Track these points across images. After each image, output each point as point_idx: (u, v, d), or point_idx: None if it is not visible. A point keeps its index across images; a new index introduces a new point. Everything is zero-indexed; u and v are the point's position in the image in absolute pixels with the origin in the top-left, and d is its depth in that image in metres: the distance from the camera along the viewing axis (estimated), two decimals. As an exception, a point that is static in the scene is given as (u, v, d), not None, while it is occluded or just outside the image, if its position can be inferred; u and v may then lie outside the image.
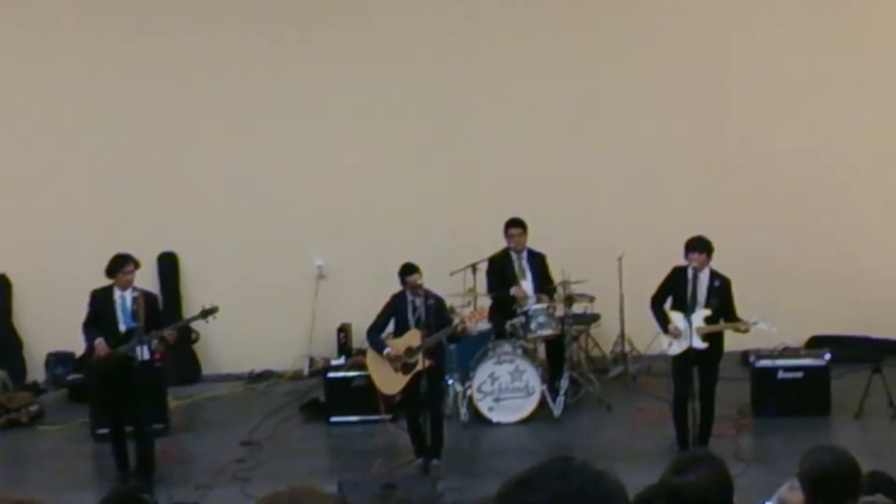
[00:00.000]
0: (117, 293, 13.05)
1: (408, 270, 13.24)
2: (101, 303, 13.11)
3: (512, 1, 17.11)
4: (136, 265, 13.21)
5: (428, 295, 13.21)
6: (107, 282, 13.12)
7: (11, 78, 17.06)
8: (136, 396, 13.00)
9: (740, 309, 12.99)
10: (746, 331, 12.83)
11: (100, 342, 12.90)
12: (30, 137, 17.08)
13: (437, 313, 13.19)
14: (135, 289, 13.13)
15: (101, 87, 17.07)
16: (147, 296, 13.32)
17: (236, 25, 17.08)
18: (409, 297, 13.25)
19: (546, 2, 17.09)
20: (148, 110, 17.09)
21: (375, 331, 13.42)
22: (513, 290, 14.77)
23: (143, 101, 17.08)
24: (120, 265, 13.02)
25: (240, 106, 17.14)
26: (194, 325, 16.35)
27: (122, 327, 13.02)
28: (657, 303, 13.09)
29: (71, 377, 16.36)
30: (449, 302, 14.33)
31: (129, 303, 13.01)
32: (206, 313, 13.53)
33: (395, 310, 13.34)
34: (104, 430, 14.04)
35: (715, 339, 12.88)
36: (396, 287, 13.52)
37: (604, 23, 17.10)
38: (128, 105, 17.08)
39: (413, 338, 13.12)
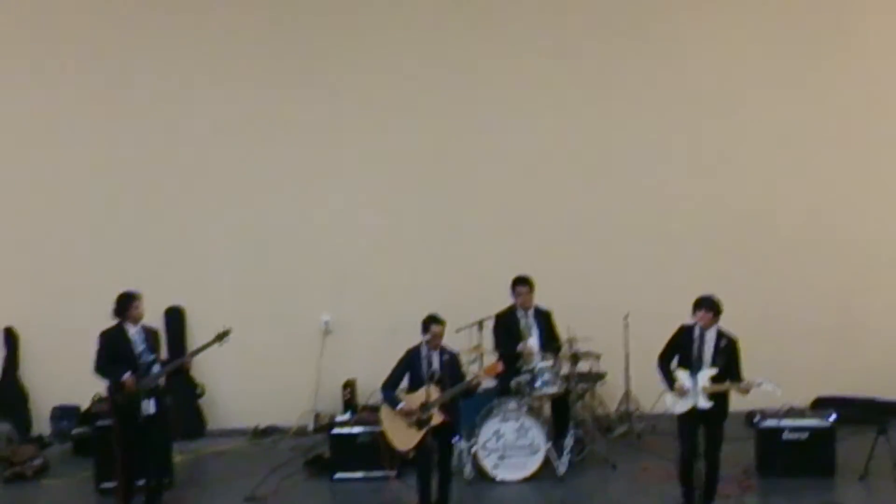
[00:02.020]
0: (131, 329, 13.33)
1: (433, 321, 13.24)
2: (115, 342, 13.30)
3: (517, 57, 17.19)
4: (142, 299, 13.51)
5: (443, 350, 13.21)
6: (111, 323, 13.37)
7: (18, 130, 17.14)
8: (145, 448, 13.14)
9: (746, 368, 12.96)
10: (749, 391, 12.80)
11: (129, 377, 13.13)
12: (37, 196, 17.16)
13: (451, 369, 13.19)
14: (142, 325, 13.47)
15: (107, 142, 17.18)
16: (152, 330, 13.67)
17: (245, 80, 17.19)
18: (425, 353, 13.23)
19: (551, 61, 17.17)
20: (155, 165, 17.19)
21: (390, 385, 13.38)
22: (520, 347, 14.77)
23: (151, 156, 17.19)
24: (130, 301, 13.35)
25: (248, 161, 17.23)
26: (200, 379, 16.48)
27: (143, 360, 13.31)
28: (664, 361, 13.08)
29: (76, 431, 16.37)
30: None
31: (140, 337, 13.35)
32: (221, 336, 13.84)
33: (409, 364, 13.31)
34: (108, 484, 14.06)
35: (720, 399, 12.86)
36: (403, 343, 13.52)
37: (608, 83, 17.21)
38: (134, 160, 17.19)
39: (427, 393, 13.10)
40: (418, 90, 17.19)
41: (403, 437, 13.31)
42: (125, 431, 13.22)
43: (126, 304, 13.34)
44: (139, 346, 13.31)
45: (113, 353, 13.28)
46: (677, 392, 12.84)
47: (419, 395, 13.15)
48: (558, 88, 17.18)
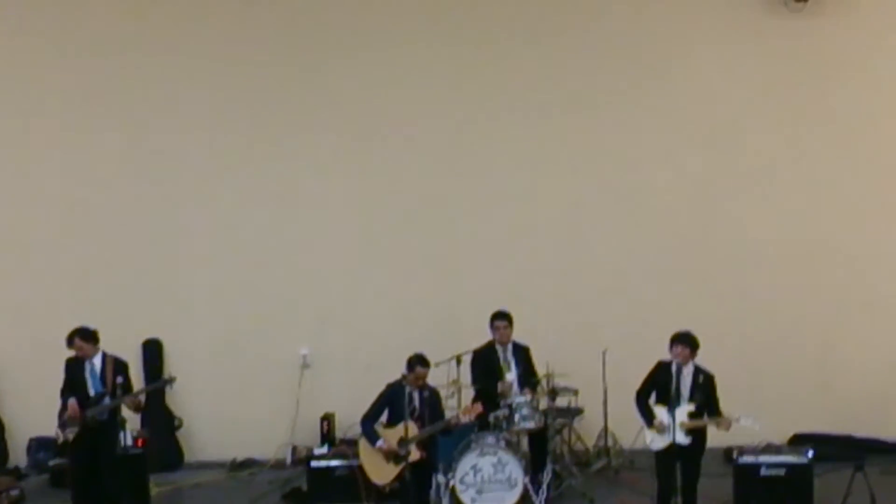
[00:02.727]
0: (87, 361, 13.66)
1: (419, 362, 13.25)
2: (73, 369, 13.74)
3: (500, 97, 17.22)
4: (86, 336, 13.71)
5: (424, 387, 13.23)
6: None
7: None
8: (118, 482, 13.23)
9: (724, 404, 13.01)
10: (728, 427, 12.82)
11: (72, 402, 13.54)
12: (14, 227, 17.12)
13: (431, 406, 13.21)
14: (105, 355, 13.74)
15: (88, 176, 17.14)
16: (116, 361, 13.80)
17: (224, 117, 17.19)
18: (408, 388, 13.24)
19: (532, 98, 17.21)
20: (134, 199, 17.17)
21: (370, 419, 13.42)
22: (499, 387, 14.79)
23: (130, 191, 17.17)
24: (72, 337, 13.76)
25: (226, 195, 17.24)
26: (178, 412, 16.45)
27: (91, 391, 13.62)
28: (642, 397, 13.12)
29: (52, 462, 16.32)
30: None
31: (97, 368, 13.67)
32: (167, 382, 14.29)
33: (390, 399, 13.34)
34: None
35: (698, 435, 12.88)
36: (381, 377, 13.53)
37: (591, 120, 17.23)
38: (114, 193, 17.16)
39: (406, 429, 13.10)
40: (398, 125, 17.21)
41: (380, 471, 13.36)
42: (91, 464, 13.61)
43: (68, 341, 13.74)
44: (91, 377, 13.64)
45: (70, 380, 13.73)
46: (656, 429, 12.86)
47: (398, 430, 13.16)
48: (539, 127, 17.21)
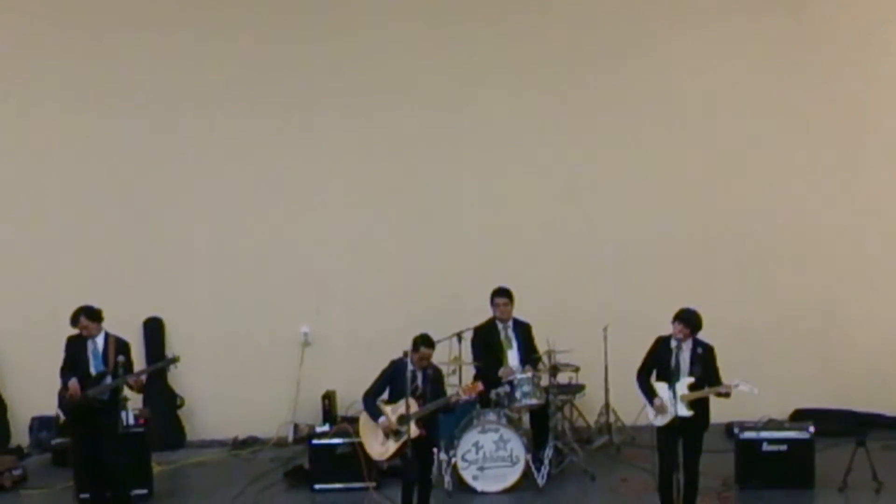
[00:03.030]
0: (90, 340, 13.57)
1: (424, 342, 13.21)
2: (74, 348, 13.63)
3: (498, 79, 17.20)
4: (91, 315, 13.60)
5: (428, 366, 13.23)
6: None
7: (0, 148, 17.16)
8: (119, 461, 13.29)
9: (725, 379, 13.00)
10: (729, 394, 12.79)
11: (73, 382, 13.44)
12: (16, 206, 17.13)
13: (433, 384, 13.21)
14: (107, 335, 13.64)
15: (88, 155, 17.15)
16: (118, 342, 13.70)
17: (219, 100, 17.18)
18: (411, 366, 13.24)
19: (533, 77, 17.19)
20: (135, 177, 17.18)
21: (372, 395, 13.38)
22: (501, 372, 14.81)
23: (131, 169, 17.17)
24: (77, 316, 13.61)
25: (228, 173, 17.24)
26: (179, 390, 16.46)
27: (93, 371, 13.52)
28: (643, 375, 13.09)
29: (55, 441, 16.35)
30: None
31: (100, 348, 13.56)
32: (170, 361, 14.10)
33: (393, 376, 13.31)
34: (87, 495, 14.06)
35: (700, 410, 12.87)
36: (382, 355, 13.51)
37: (591, 98, 17.22)
38: (116, 171, 17.17)
39: (407, 406, 13.10)
40: (393, 109, 17.20)
41: (380, 448, 13.36)
42: (78, 443, 13.65)
43: (73, 320, 13.63)
44: (93, 356, 13.54)
45: (71, 359, 13.63)
46: (657, 407, 12.86)
47: (399, 407, 13.16)
48: (543, 104, 17.21)
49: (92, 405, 13.43)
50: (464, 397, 13.41)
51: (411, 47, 17.23)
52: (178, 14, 17.20)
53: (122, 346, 13.75)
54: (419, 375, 13.17)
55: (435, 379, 13.28)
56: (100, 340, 13.60)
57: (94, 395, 13.45)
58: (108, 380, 13.48)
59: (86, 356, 13.56)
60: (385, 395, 13.43)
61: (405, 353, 13.18)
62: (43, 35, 17.13)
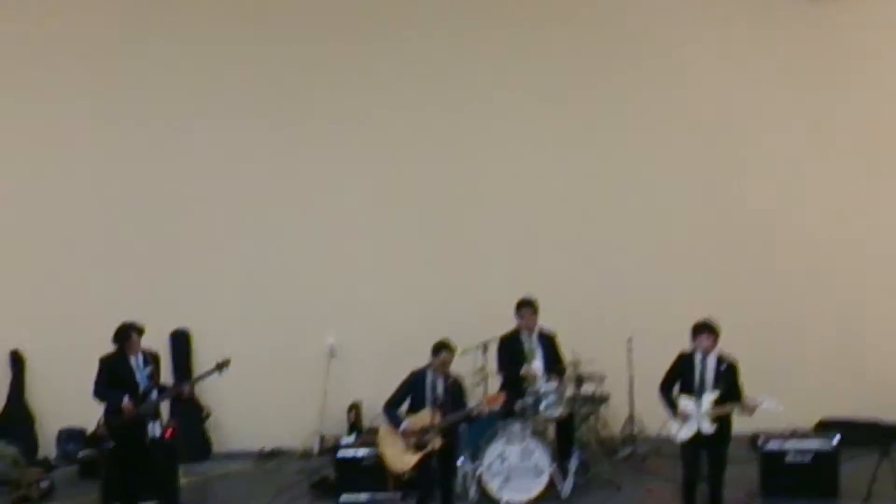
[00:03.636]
0: (131, 356, 13.47)
1: (444, 347, 13.31)
2: (116, 367, 13.45)
3: (525, 86, 17.25)
4: (140, 332, 13.58)
5: (448, 375, 13.28)
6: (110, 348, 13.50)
7: (25, 156, 17.25)
8: (151, 472, 13.24)
9: (749, 391, 12.99)
10: (753, 411, 12.82)
11: (127, 401, 13.27)
12: (43, 216, 17.23)
13: (454, 394, 13.24)
14: (143, 350, 13.61)
15: (113, 169, 17.26)
16: (153, 355, 13.78)
17: (245, 108, 17.27)
18: (430, 377, 13.30)
19: (558, 88, 17.23)
20: (162, 189, 17.27)
21: (393, 405, 13.47)
22: (523, 370, 14.82)
23: (157, 180, 17.27)
24: (127, 333, 13.50)
25: (255, 186, 17.32)
26: (205, 402, 16.49)
27: (141, 387, 13.44)
28: (665, 389, 13.12)
29: (82, 453, 16.42)
30: (459, 381, 14.57)
31: (142, 363, 13.51)
32: (221, 366, 13.95)
33: (413, 387, 13.39)
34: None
35: (723, 423, 12.89)
36: (407, 365, 13.58)
37: (610, 107, 17.28)
38: (141, 184, 17.26)
39: (429, 416, 13.17)
40: (420, 113, 17.26)
41: (401, 459, 13.40)
42: (126, 454, 13.39)
43: (123, 336, 13.52)
44: (139, 371, 13.48)
45: (112, 378, 13.44)
46: (680, 418, 12.87)
47: (420, 418, 13.22)
48: (564, 115, 17.24)
49: (144, 421, 13.39)
50: (486, 408, 13.45)
51: (431, 56, 17.31)
52: (193, 19, 17.33)
53: (156, 359, 13.80)
54: (440, 385, 13.22)
55: (455, 389, 13.33)
56: (140, 356, 13.58)
57: (146, 412, 13.42)
58: (154, 395, 13.49)
59: (130, 373, 13.46)
60: (406, 407, 13.49)
61: (429, 365, 13.25)
62: (66, 43, 17.25)
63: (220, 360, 13.95)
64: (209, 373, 14.05)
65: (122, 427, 13.31)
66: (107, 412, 13.46)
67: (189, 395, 14.05)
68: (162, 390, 13.61)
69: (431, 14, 17.39)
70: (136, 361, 13.50)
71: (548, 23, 17.27)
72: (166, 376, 15.21)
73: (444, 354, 13.29)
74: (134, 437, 13.35)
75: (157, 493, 13.66)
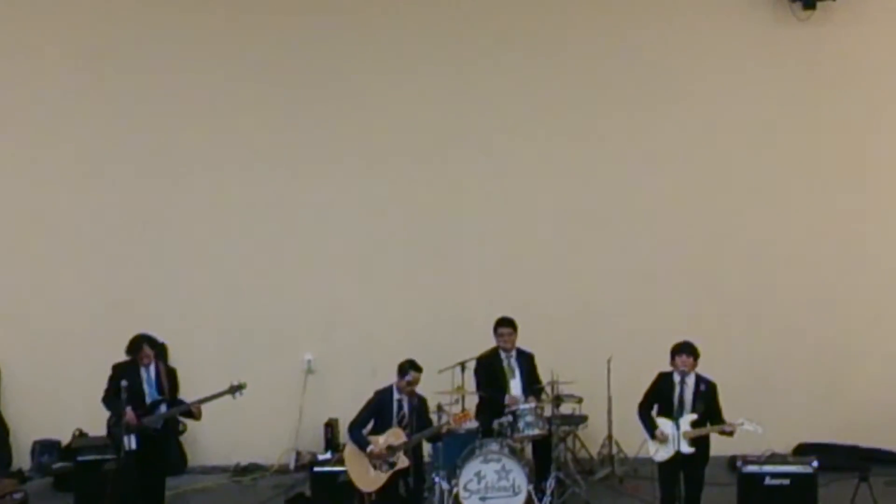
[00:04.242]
0: (142, 368, 13.41)
1: (412, 367, 13.34)
2: (125, 376, 13.28)
3: (510, 103, 17.22)
4: (152, 343, 13.59)
5: (412, 394, 13.28)
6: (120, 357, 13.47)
7: (6, 173, 17.15)
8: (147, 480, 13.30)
9: (729, 414, 12.99)
10: (732, 433, 12.82)
11: (129, 411, 13.14)
12: (21, 230, 17.14)
13: (419, 413, 13.25)
14: (157, 362, 13.54)
15: (94, 180, 17.17)
16: (168, 370, 13.70)
17: (230, 118, 17.22)
18: (396, 396, 13.31)
19: (543, 107, 17.21)
20: (139, 204, 17.19)
21: (357, 426, 13.50)
22: (507, 399, 14.78)
23: (135, 194, 17.19)
24: (140, 344, 13.44)
25: (231, 200, 17.26)
26: (181, 417, 16.37)
27: (148, 399, 13.33)
28: (644, 410, 13.12)
29: (56, 466, 16.34)
30: (436, 400, 14.51)
31: (153, 376, 13.40)
32: (234, 389, 13.79)
33: (379, 407, 13.41)
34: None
35: (702, 444, 12.88)
36: (384, 383, 13.57)
37: (597, 132, 17.23)
38: (119, 198, 17.18)
39: (394, 436, 13.19)
40: (400, 130, 17.23)
41: (367, 479, 13.41)
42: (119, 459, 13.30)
43: (136, 347, 13.44)
44: (147, 384, 13.39)
45: (118, 387, 13.25)
46: (658, 439, 12.85)
47: (385, 439, 13.23)
48: (543, 135, 17.22)
49: (147, 434, 13.30)
50: (454, 426, 13.45)
51: (421, 64, 17.27)
52: (184, 21, 17.28)
53: (173, 374, 13.76)
54: (405, 405, 13.24)
55: (420, 408, 13.36)
56: (152, 368, 13.50)
57: (150, 424, 13.34)
58: (163, 408, 13.40)
59: (140, 383, 13.37)
60: (369, 428, 13.51)
61: (396, 384, 13.30)
62: (47, 54, 17.17)
63: (234, 382, 13.82)
64: (221, 394, 13.83)
65: (124, 436, 13.16)
66: (109, 421, 13.42)
67: (199, 413, 13.74)
68: (170, 406, 13.46)
69: (426, 26, 17.33)
70: (146, 374, 13.42)
71: (547, 41, 17.24)
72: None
73: (412, 374, 13.31)
74: (153, 454, 13.34)
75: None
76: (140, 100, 17.18)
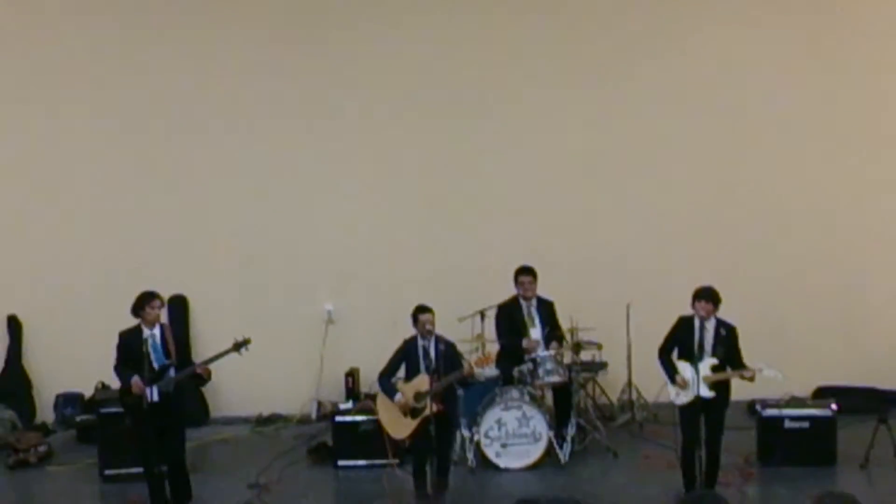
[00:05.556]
0: (146, 332, 13.02)
1: (421, 310, 13.36)
2: (130, 343, 13.02)
3: (525, 56, 17.19)
4: (162, 302, 13.24)
5: (439, 340, 13.29)
6: (132, 322, 13.11)
7: (23, 123, 17.18)
8: (166, 434, 13.06)
9: (747, 359, 12.98)
10: (752, 378, 12.83)
11: (136, 380, 12.85)
12: (41, 182, 17.19)
13: (447, 359, 13.24)
14: (161, 325, 13.18)
15: (112, 133, 17.18)
16: (174, 330, 13.43)
17: (248, 75, 17.21)
18: (421, 342, 13.35)
19: (558, 58, 17.17)
20: (158, 156, 17.22)
21: (386, 375, 13.53)
22: (525, 343, 14.82)
23: (154, 147, 17.22)
24: (146, 301, 13.04)
25: (251, 152, 17.26)
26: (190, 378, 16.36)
27: (155, 365, 12.99)
28: (664, 354, 13.13)
29: (80, 418, 16.44)
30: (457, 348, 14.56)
31: (158, 340, 13.06)
32: (239, 346, 13.45)
33: (406, 354, 13.44)
34: (112, 471, 14.22)
35: (722, 388, 12.90)
36: (405, 333, 13.60)
37: (614, 77, 17.20)
38: (138, 150, 17.22)
39: (422, 382, 13.20)
40: (420, 84, 17.20)
41: (398, 426, 13.45)
42: (136, 423, 13.09)
43: (141, 305, 13.05)
44: (153, 348, 13.01)
45: (127, 353, 13.05)
46: (679, 384, 12.89)
47: (414, 385, 13.26)
48: (559, 81, 17.19)
49: (153, 404, 12.89)
50: (476, 369, 13.47)
51: (437, 30, 17.23)
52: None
53: (179, 336, 13.51)
54: (432, 351, 13.25)
55: (448, 354, 13.32)
56: (156, 332, 13.06)
57: (165, 389, 12.97)
58: (172, 372, 13.02)
59: (145, 350, 12.90)
60: (402, 374, 13.53)
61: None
62: (61, 22, 17.18)
63: (238, 338, 13.44)
64: (226, 352, 13.43)
65: (135, 405, 12.89)
66: (121, 390, 13.19)
67: (207, 375, 13.38)
68: (178, 369, 13.06)
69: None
70: (151, 338, 13.03)
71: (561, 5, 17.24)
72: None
73: (422, 317, 13.33)
74: (166, 420, 12.97)
75: (163, 458, 13.19)
76: (155, 59, 17.16)
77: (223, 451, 16.01)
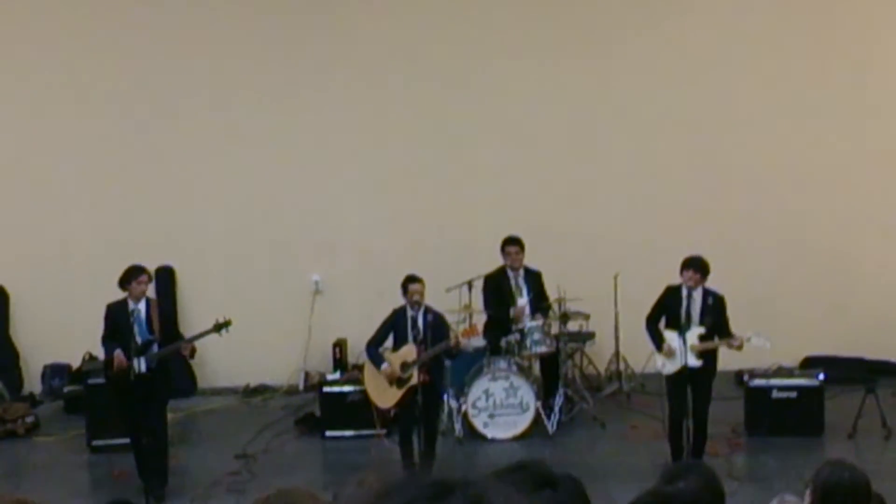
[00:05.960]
0: (132, 305, 12.98)
1: (411, 280, 13.35)
2: (116, 316, 13.01)
3: (512, 26, 17.15)
4: (150, 276, 13.23)
5: (428, 310, 13.28)
6: (120, 294, 13.06)
7: (9, 94, 17.12)
8: (149, 406, 13.02)
9: (735, 328, 13.02)
10: (741, 347, 12.85)
11: (118, 353, 12.83)
12: (27, 152, 17.13)
13: (435, 329, 13.24)
14: (148, 299, 13.15)
15: (100, 104, 17.12)
16: (159, 306, 13.40)
17: (233, 45, 17.14)
18: (410, 312, 13.34)
19: (545, 29, 17.13)
20: (146, 126, 17.15)
21: (374, 344, 13.52)
22: (512, 312, 14.82)
23: (142, 119, 17.14)
24: (133, 275, 12.98)
25: (237, 122, 17.22)
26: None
27: (139, 339, 12.92)
28: (651, 323, 13.14)
29: (67, 389, 16.43)
30: (444, 318, 14.57)
31: (143, 315, 13.01)
32: (220, 326, 13.45)
33: (394, 324, 13.44)
34: (100, 442, 14.19)
35: (709, 358, 12.92)
36: (392, 303, 13.60)
37: (601, 47, 17.17)
38: (126, 121, 17.14)
39: (409, 352, 13.20)
40: (407, 54, 17.15)
41: (384, 396, 13.46)
42: (120, 396, 13.12)
43: (128, 279, 12.98)
44: (137, 323, 12.94)
45: (114, 327, 13.04)
46: (666, 353, 12.90)
47: (401, 355, 13.26)
48: (546, 53, 17.15)
49: (140, 375, 12.85)
50: (463, 340, 13.46)
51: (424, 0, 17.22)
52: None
53: (166, 311, 13.55)
54: (420, 321, 13.24)
55: (436, 324, 13.31)
56: (142, 306, 13.00)
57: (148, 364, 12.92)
58: (155, 348, 12.99)
59: (130, 323, 12.84)
60: (390, 344, 13.52)
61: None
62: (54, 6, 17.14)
63: (219, 319, 13.44)
64: (207, 332, 13.47)
65: (118, 379, 12.88)
66: (104, 362, 13.17)
67: (190, 353, 13.47)
68: (161, 346, 13.03)
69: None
70: (136, 312, 12.96)
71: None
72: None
73: (411, 287, 13.31)
74: (149, 395, 12.92)
75: (147, 430, 13.11)
76: (142, 32, 17.08)
77: (211, 421, 16.02)
